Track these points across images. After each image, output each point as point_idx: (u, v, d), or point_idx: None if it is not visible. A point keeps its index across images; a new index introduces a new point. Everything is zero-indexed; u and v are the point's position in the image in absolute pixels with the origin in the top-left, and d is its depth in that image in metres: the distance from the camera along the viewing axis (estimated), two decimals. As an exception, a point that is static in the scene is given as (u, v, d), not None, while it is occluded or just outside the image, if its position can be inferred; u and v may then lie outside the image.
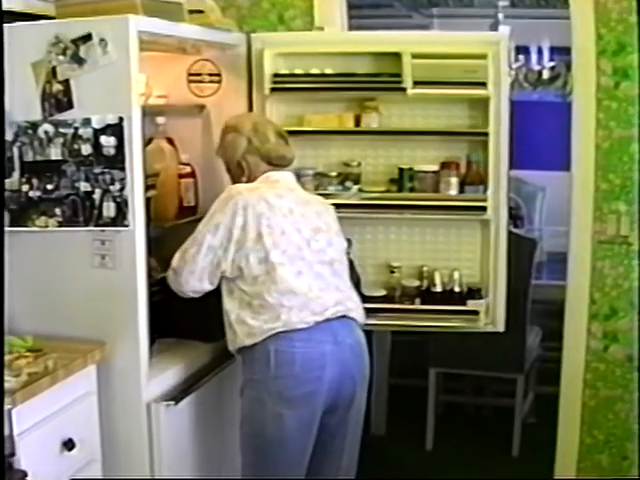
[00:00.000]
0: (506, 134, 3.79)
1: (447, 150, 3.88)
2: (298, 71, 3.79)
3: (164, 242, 3.69)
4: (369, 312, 3.49)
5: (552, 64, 5.96)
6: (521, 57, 5.98)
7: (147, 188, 3.19)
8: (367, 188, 3.88)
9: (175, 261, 3.19)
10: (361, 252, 3.95)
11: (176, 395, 3.23)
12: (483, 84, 3.71)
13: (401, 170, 3.85)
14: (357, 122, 3.89)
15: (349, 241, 3.63)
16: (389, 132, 3.91)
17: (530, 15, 7.37)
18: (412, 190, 3.84)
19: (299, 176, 3.63)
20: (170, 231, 3.68)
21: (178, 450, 3.28)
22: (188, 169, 3.70)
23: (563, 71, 5.73)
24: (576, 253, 4.19)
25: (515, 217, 6.86)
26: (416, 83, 3.72)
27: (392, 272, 3.97)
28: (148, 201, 3.20)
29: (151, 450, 3.13)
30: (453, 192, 3.80)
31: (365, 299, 3.52)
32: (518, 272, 4.86)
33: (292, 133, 3.54)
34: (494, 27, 5.86)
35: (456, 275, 3.91)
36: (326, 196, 3.65)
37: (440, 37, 4.24)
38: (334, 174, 3.88)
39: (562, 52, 4.84)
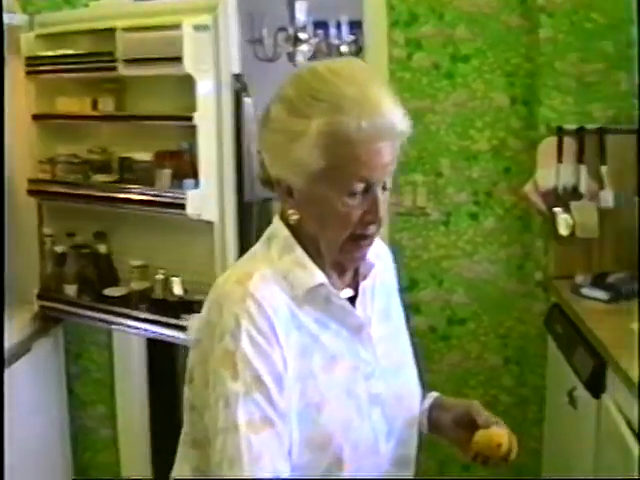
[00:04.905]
0: (229, 120, 3.33)
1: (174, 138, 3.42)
2: (50, 53, 3.57)
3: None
4: (107, 313, 3.53)
5: (352, 38, 5.91)
6: (320, 32, 5.91)
7: None
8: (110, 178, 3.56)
9: None
10: (116, 247, 3.73)
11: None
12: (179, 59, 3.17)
13: (121, 160, 3.50)
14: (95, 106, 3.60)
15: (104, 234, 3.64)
16: (104, 117, 3.60)
17: (329, -11, 7.34)
18: (129, 182, 3.45)
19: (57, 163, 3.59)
20: None
21: None
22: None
23: (364, 45, 5.69)
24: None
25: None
26: (128, 61, 3.31)
27: (132, 272, 3.59)
28: None
29: None
30: (165, 185, 3.34)
31: (105, 298, 3.55)
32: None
33: (40, 118, 3.60)
34: (291, 3, 5.76)
35: (175, 283, 3.43)
36: (70, 185, 3.57)
37: (152, 7, 3.47)
38: (77, 161, 3.64)
39: (362, 26, 4.81)
